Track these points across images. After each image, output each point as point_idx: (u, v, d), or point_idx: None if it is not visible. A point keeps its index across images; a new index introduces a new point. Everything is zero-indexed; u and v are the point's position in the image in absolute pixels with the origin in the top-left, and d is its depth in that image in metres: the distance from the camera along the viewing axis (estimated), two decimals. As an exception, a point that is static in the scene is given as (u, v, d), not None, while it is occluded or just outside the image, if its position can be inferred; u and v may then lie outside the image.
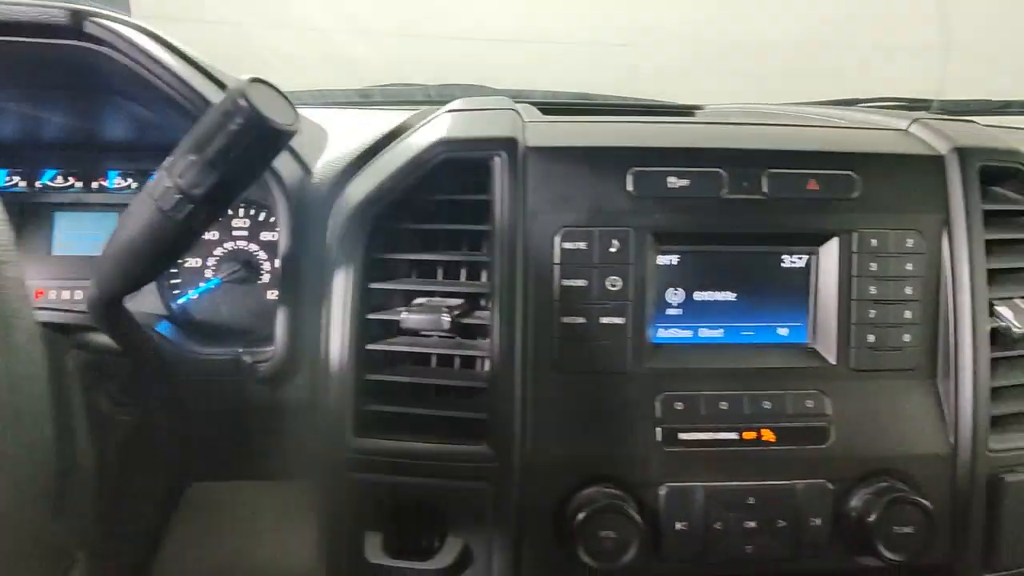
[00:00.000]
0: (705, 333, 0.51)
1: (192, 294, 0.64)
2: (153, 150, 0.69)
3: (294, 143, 0.55)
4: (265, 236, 0.66)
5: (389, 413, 0.48)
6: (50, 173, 0.69)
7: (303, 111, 0.44)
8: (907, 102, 0.94)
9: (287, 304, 0.51)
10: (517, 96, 0.62)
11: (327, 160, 0.55)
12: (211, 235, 0.65)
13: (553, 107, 0.65)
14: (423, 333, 0.48)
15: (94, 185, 0.69)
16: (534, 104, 0.61)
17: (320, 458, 0.48)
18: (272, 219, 0.65)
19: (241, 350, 0.53)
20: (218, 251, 0.65)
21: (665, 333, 0.51)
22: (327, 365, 0.49)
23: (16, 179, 0.69)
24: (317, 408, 0.50)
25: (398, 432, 0.48)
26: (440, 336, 0.49)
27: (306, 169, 0.54)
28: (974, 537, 0.49)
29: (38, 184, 0.69)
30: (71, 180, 0.69)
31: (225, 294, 0.65)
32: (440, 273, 0.51)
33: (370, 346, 0.48)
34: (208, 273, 0.65)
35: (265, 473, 0.56)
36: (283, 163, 0.52)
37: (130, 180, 0.69)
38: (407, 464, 0.47)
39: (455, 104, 0.55)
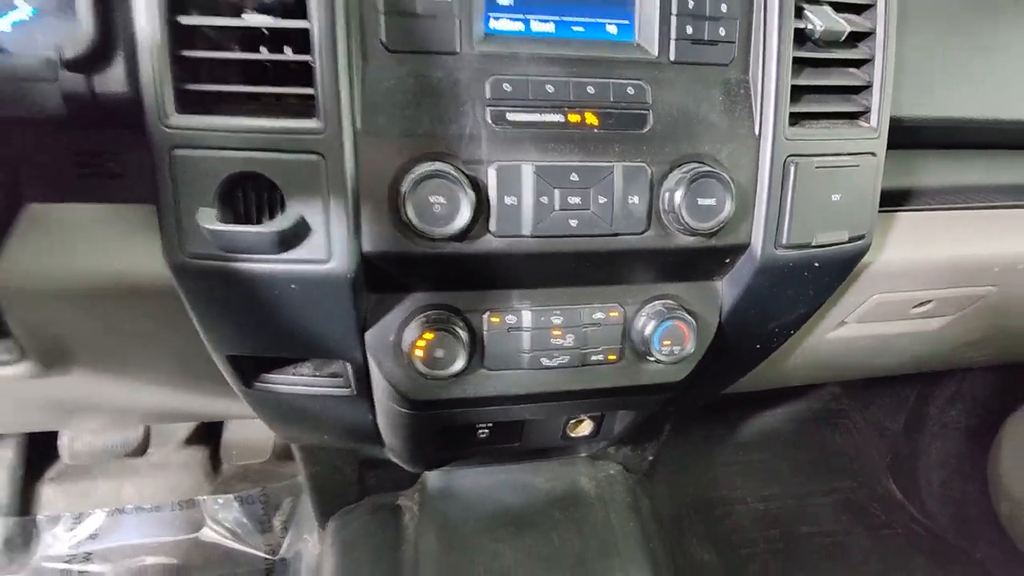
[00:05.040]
0: (537, 27, 0.52)
1: (6, 28, 0.57)
2: None
3: None
4: None
5: (211, 93, 0.46)
6: None
7: None
8: None
9: None
10: None
11: None
12: None
13: None
14: (239, 6, 0.46)
15: None
16: None
17: (148, 141, 0.46)
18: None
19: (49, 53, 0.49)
20: None
21: (496, 24, 0.51)
22: (137, 41, 0.46)
23: None
24: (138, 93, 0.47)
25: (223, 109, 0.46)
26: (258, 12, 0.46)
27: None
28: (770, 215, 0.56)
29: None
30: None
31: (40, 26, 0.58)
32: None
33: (181, 19, 0.45)
34: (17, 1, 0.58)
35: (101, 195, 0.54)
36: None
37: None
38: (236, 138, 0.46)
39: None
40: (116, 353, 0.67)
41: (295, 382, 0.64)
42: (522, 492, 0.99)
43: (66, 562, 1.15)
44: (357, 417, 0.70)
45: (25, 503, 1.16)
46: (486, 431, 0.73)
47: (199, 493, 1.24)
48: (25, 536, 1.15)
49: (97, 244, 0.55)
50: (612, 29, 0.53)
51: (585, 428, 0.76)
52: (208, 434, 1.27)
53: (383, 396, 0.62)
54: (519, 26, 0.52)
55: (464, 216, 0.48)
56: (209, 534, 1.20)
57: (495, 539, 0.92)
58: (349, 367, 0.61)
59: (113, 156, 0.55)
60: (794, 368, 0.90)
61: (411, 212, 0.47)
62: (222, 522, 1.21)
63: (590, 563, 0.91)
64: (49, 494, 1.18)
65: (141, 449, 1.12)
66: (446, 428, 0.70)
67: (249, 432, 1.24)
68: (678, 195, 0.52)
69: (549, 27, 0.52)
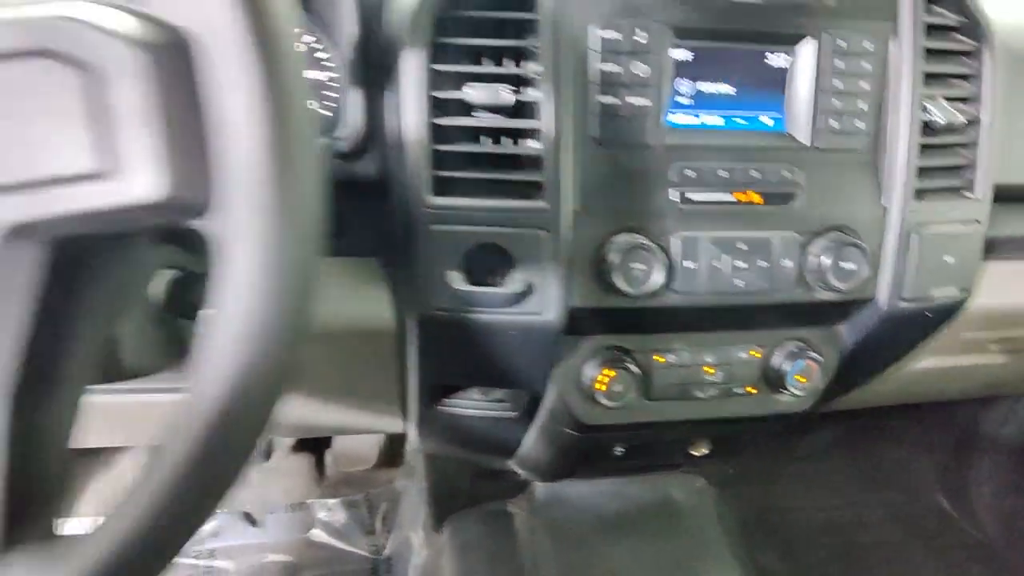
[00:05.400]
0: (708, 120, 0.63)
1: None
2: None
3: None
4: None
5: (459, 178, 0.57)
6: None
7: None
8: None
9: (359, 85, 0.58)
10: None
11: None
12: None
13: None
14: (484, 109, 0.57)
15: None
16: None
17: (401, 218, 0.57)
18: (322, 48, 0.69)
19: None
20: None
21: (674, 118, 0.62)
22: (402, 138, 0.57)
23: None
24: (393, 178, 0.58)
25: (468, 193, 0.57)
26: (497, 113, 0.57)
27: None
28: (895, 275, 0.66)
29: None
30: None
31: None
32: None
33: (439, 120, 0.56)
34: None
35: (341, 250, 0.65)
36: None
37: None
38: (480, 216, 0.57)
39: None
40: (314, 380, 0.78)
41: (468, 405, 0.75)
42: (621, 501, 1.09)
43: (193, 557, 1.26)
44: (507, 435, 0.81)
45: (156, 504, 1.28)
46: (623, 450, 0.83)
47: (307, 497, 1.35)
48: (157, 534, 1.26)
49: (328, 293, 0.66)
50: (768, 121, 0.64)
51: (704, 448, 0.87)
52: (313, 443, 1.38)
53: (550, 419, 0.73)
54: (694, 120, 0.63)
55: (658, 279, 0.59)
56: (319, 535, 1.31)
57: (603, 544, 1.03)
58: (525, 395, 0.72)
59: (338, 218, 0.66)
60: (876, 394, 1.00)
61: (617, 276, 0.58)
62: (330, 524, 1.32)
63: (688, 566, 1.02)
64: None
65: (266, 456, 1.23)
66: (592, 447, 0.81)
67: (355, 443, 1.35)
68: (824, 260, 0.62)
69: (718, 120, 0.63)
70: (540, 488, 1.10)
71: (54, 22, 0.27)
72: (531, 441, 0.81)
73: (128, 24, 0.28)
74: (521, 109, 0.58)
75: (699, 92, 0.62)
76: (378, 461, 1.37)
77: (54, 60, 0.27)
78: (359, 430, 1.14)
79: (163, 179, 0.28)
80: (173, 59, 0.28)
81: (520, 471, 0.98)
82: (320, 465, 1.38)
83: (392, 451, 1.35)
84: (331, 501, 1.33)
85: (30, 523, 0.32)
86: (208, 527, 1.31)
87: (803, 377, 0.69)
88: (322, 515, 1.33)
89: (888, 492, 1.56)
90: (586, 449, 0.82)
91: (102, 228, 0.31)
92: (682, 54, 0.61)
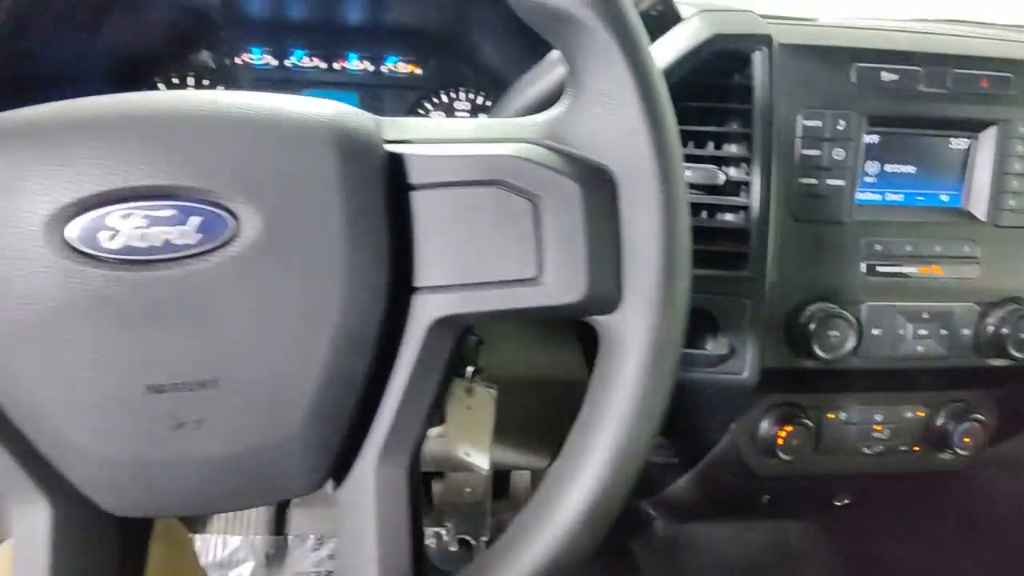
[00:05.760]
0: (890, 197, 0.68)
1: None
2: (389, 33, 0.78)
3: None
4: None
5: None
6: (299, 53, 0.77)
7: None
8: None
9: None
10: None
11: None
12: None
13: None
14: (698, 187, 0.63)
15: (335, 66, 0.78)
16: None
17: None
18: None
19: None
20: None
21: (862, 196, 0.67)
22: None
23: (268, 58, 0.77)
24: None
25: None
26: (702, 191, 0.63)
27: None
28: (1064, 344, 0.69)
29: (287, 63, 0.77)
30: (315, 60, 0.78)
31: None
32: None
33: None
34: None
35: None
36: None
37: (367, 62, 0.79)
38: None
39: (704, 6, 0.67)
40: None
41: None
42: (738, 544, 1.12)
43: (314, 572, 1.32)
44: (658, 477, 0.85)
45: (279, 524, 1.35)
46: (768, 497, 0.87)
47: (416, 523, 1.40)
48: (279, 553, 1.33)
49: (523, 348, 0.72)
50: (944, 198, 0.69)
51: (845, 499, 0.90)
52: (424, 472, 1.44)
53: (714, 467, 0.77)
54: (878, 197, 0.68)
55: (850, 344, 0.63)
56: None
57: (726, 586, 1.06)
58: (693, 443, 0.76)
59: None
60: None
61: (815, 342, 0.63)
62: (439, 551, 1.37)
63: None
64: (297, 517, 1.36)
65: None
66: (744, 493, 0.85)
67: (464, 474, 1.40)
68: (1005, 330, 0.66)
69: (899, 197, 0.68)
70: (660, 528, 1.13)
71: (509, 160, 0.34)
72: (682, 484, 0.85)
73: (564, 163, 0.34)
74: (723, 186, 0.64)
75: (883, 172, 0.67)
76: (484, 492, 1.42)
77: (506, 189, 0.34)
78: (505, 467, 1.20)
79: (581, 285, 0.34)
80: (597, 190, 0.34)
81: (651, 510, 1.02)
82: (428, 494, 1.44)
83: (497, 483, 1.40)
84: (440, 529, 1.39)
85: (426, 564, 0.38)
86: (326, 548, 1.37)
87: (969, 437, 0.72)
88: (431, 542, 1.38)
89: (983, 545, 1.54)
90: (737, 495, 0.86)
91: (511, 319, 0.37)
92: (871, 139, 0.66)
